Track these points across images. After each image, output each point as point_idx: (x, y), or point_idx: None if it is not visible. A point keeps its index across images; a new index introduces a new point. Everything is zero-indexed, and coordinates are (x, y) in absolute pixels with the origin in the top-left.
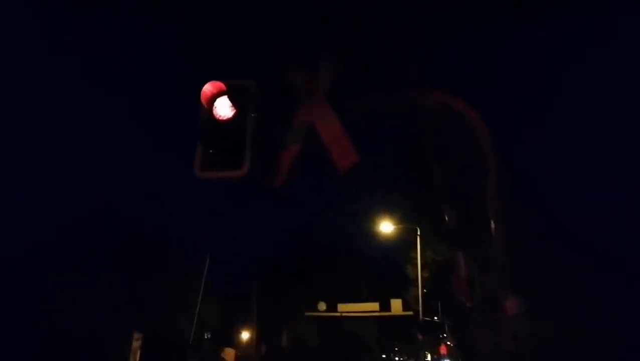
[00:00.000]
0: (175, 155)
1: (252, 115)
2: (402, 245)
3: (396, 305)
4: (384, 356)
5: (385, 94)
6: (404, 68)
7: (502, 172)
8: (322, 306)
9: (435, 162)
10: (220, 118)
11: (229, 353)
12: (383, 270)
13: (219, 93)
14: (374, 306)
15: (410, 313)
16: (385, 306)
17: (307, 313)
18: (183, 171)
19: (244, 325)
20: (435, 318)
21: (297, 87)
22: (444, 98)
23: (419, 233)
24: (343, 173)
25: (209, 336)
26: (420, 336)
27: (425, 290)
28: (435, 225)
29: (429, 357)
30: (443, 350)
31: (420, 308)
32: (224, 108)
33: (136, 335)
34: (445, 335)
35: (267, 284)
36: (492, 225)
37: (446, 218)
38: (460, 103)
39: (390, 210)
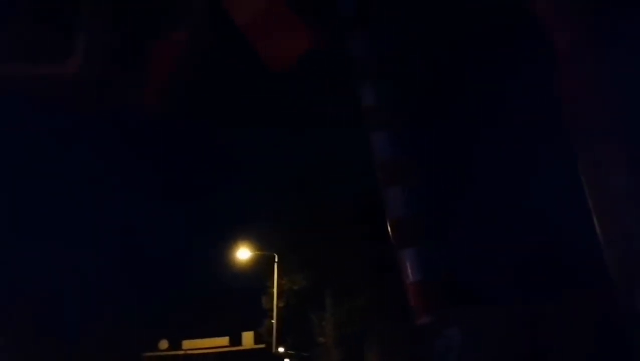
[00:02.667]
0: None
1: None
2: (257, 274)
3: (247, 338)
4: None
5: None
6: None
7: None
8: (163, 344)
9: None
10: None
11: None
12: (235, 301)
13: None
14: (222, 341)
15: (263, 346)
16: (236, 341)
17: (145, 355)
18: None
19: None
20: (288, 351)
21: None
22: None
23: (276, 260)
24: (282, 69)
25: None
26: None
27: (278, 321)
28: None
29: None
30: None
31: (274, 340)
32: None
33: None
34: None
35: (91, 320)
36: None
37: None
38: None
39: (249, 237)
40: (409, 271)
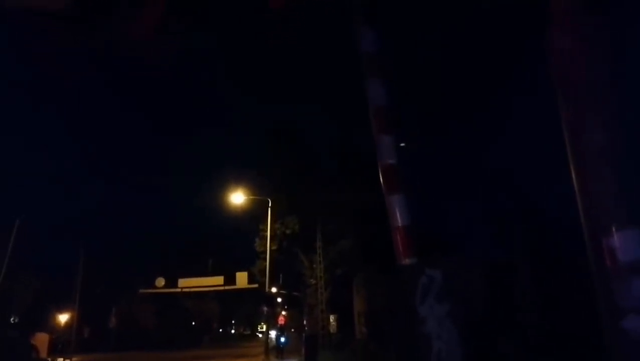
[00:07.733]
0: None
1: None
2: (251, 218)
3: (241, 278)
4: (220, 330)
5: None
6: None
7: None
8: (160, 282)
9: None
10: None
11: (41, 338)
12: (231, 244)
13: None
14: (217, 280)
15: (256, 285)
16: (230, 280)
17: (141, 291)
18: None
19: (62, 306)
20: (280, 290)
21: None
22: None
23: (269, 204)
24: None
25: (16, 320)
26: (265, 308)
27: (271, 263)
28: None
29: (264, 328)
30: (281, 320)
31: (267, 280)
32: None
33: None
34: (286, 307)
35: (94, 259)
36: None
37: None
38: None
39: (243, 181)
40: (398, 215)
